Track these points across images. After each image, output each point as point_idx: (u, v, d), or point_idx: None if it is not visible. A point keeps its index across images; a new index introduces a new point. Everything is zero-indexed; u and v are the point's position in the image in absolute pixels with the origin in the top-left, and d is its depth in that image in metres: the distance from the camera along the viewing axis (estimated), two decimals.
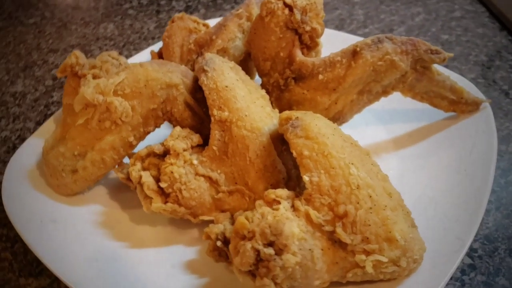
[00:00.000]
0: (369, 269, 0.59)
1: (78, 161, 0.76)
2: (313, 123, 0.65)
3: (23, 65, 1.20)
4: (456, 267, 0.63)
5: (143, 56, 1.03)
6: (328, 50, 0.82)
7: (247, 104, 0.72)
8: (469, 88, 0.86)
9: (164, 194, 0.72)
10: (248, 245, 0.57)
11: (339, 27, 1.24)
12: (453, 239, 0.67)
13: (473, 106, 0.84)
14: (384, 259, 0.60)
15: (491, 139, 0.79)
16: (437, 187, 0.76)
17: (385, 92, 0.79)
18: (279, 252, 0.57)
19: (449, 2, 1.30)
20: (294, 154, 0.64)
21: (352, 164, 0.62)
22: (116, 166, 0.77)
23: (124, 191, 0.81)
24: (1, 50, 1.26)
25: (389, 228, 0.60)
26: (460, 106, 0.83)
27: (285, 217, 0.59)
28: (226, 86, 0.72)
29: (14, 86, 1.14)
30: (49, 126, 0.88)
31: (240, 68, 0.80)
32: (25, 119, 1.05)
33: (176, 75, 0.75)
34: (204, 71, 0.74)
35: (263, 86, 0.84)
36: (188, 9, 1.38)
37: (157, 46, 1.02)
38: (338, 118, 0.80)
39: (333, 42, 0.89)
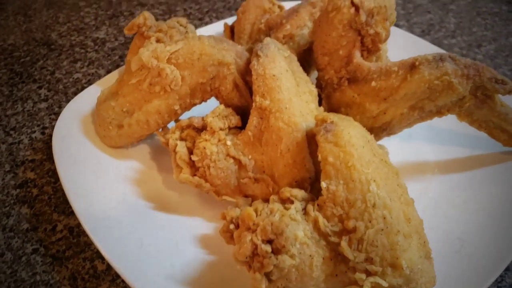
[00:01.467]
0: None
1: (125, 117, 0.80)
2: (346, 130, 0.63)
3: (111, 14, 1.26)
4: None
5: (217, 27, 1.05)
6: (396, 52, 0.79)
7: (290, 97, 0.71)
8: None
9: (194, 167, 0.74)
10: (248, 237, 0.58)
11: (426, 32, 1.18)
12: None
13: None
14: (384, 284, 0.58)
15: None
16: (469, 226, 0.72)
17: (439, 113, 0.74)
18: (276, 251, 0.57)
19: None
20: (319, 158, 0.63)
21: (374, 181, 0.60)
22: (160, 130, 0.81)
23: (165, 154, 0.84)
24: None
25: (397, 254, 0.58)
26: None
27: (293, 218, 0.59)
28: (274, 75, 0.72)
29: (98, 32, 1.21)
30: (112, 78, 0.93)
31: (295, 58, 0.79)
32: (98, 65, 1.11)
33: (230, 54, 0.76)
34: (257, 55, 0.74)
35: (318, 80, 0.82)
36: None
37: (232, 20, 1.03)
38: (385, 128, 0.77)
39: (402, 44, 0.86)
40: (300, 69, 0.78)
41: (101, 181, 0.78)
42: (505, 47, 1.12)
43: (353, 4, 0.74)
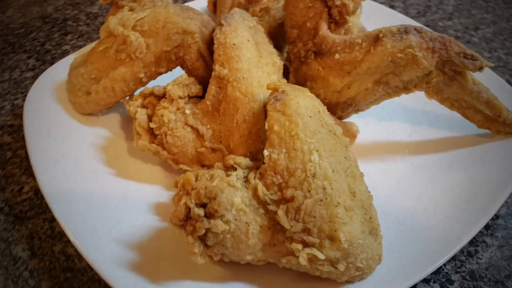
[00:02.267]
0: (303, 261, 0.57)
1: (93, 84, 0.80)
2: (295, 100, 0.62)
3: None
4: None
5: (202, 2, 1.04)
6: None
7: (249, 67, 0.70)
8: None
9: (153, 134, 0.74)
10: (183, 200, 0.57)
11: (421, 13, 1.14)
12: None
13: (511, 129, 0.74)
14: (321, 256, 0.57)
15: None
16: (440, 204, 0.70)
17: (406, 89, 0.72)
18: (209, 215, 0.56)
19: None
20: (266, 126, 0.62)
21: (317, 151, 0.58)
22: (127, 98, 0.81)
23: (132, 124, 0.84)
24: None
25: (335, 226, 0.57)
26: (496, 125, 0.74)
27: (232, 184, 0.58)
28: (234, 44, 0.71)
29: (92, 7, 1.23)
30: (88, 49, 0.93)
31: (261, 29, 0.77)
32: (87, 38, 1.12)
33: (195, 23, 0.76)
34: (220, 24, 0.74)
35: (288, 54, 0.81)
36: None
37: None
38: (350, 104, 0.75)
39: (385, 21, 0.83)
40: (266, 40, 0.77)
41: (66, 144, 0.79)
42: (504, 30, 1.07)
43: None
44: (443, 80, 0.70)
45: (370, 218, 0.61)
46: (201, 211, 0.56)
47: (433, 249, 0.63)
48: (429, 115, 0.84)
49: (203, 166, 0.74)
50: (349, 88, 0.72)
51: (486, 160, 0.74)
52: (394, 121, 0.84)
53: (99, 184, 0.74)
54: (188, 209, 0.56)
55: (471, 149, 0.76)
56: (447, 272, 0.67)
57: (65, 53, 1.08)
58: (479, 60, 0.67)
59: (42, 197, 0.78)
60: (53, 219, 0.75)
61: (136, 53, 0.75)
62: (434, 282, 0.66)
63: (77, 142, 0.80)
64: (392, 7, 1.13)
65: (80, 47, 1.10)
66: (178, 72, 0.80)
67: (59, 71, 0.89)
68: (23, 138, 0.89)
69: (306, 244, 0.57)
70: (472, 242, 0.70)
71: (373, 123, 0.85)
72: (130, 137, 0.83)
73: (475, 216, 0.66)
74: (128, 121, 0.86)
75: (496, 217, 0.73)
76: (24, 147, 0.87)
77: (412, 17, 1.09)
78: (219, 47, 0.72)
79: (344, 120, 0.80)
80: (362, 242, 0.58)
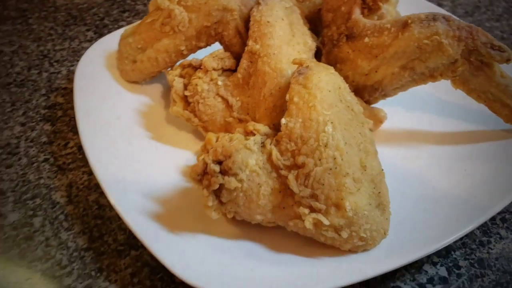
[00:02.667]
0: (308, 224, 0.60)
1: (139, 54, 0.86)
2: (317, 75, 0.65)
3: None
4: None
5: None
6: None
7: (280, 44, 0.74)
8: None
9: (187, 102, 0.80)
10: (201, 156, 0.62)
11: (469, 13, 1.13)
12: None
13: None
14: (326, 222, 0.60)
15: None
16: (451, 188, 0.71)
17: (432, 77, 0.73)
18: (224, 172, 0.61)
19: None
20: (287, 97, 0.65)
21: (331, 123, 0.61)
22: (169, 69, 0.87)
23: None
24: None
25: (342, 195, 0.60)
26: None
27: (248, 147, 0.63)
28: (268, 22, 0.75)
29: None
30: None
31: (297, 10, 0.81)
32: (143, 16, 1.18)
33: (235, 1, 0.80)
34: (258, 3, 0.78)
35: (322, 37, 0.84)
36: None
37: None
38: (377, 88, 0.77)
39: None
40: (301, 22, 0.80)
41: (110, 107, 0.85)
42: None
43: None
44: (469, 70, 0.71)
45: (379, 193, 0.63)
46: (216, 167, 0.60)
47: (455, 220, 0.66)
48: (459, 107, 0.84)
49: None
50: (376, 71, 0.75)
51: (508, 155, 0.74)
52: (423, 111, 0.85)
53: (135, 144, 0.80)
54: (205, 165, 0.61)
55: (494, 143, 0.76)
56: (455, 258, 0.68)
57: (120, 28, 1.16)
58: (507, 52, 0.68)
59: (84, 153, 0.85)
60: (91, 172, 0.81)
61: (179, 26, 0.81)
62: (441, 265, 0.67)
63: (121, 106, 0.87)
64: (440, 5, 1.13)
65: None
66: (217, 47, 0.85)
67: (112, 41, 0.96)
68: None
69: (312, 209, 0.61)
70: (485, 233, 0.71)
71: (402, 112, 0.86)
72: (169, 106, 0.89)
73: (490, 202, 0.67)
74: (169, 91, 0.92)
75: None
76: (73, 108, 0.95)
77: (459, 16, 1.09)
78: (254, 24, 0.76)
79: (372, 106, 0.82)
80: (368, 214, 0.61)
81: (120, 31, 0.98)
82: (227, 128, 0.78)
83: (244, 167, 0.61)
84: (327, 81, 0.65)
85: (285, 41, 0.75)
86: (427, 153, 0.79)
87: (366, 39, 0.74)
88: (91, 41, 1.12)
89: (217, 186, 0.60)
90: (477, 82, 0.72)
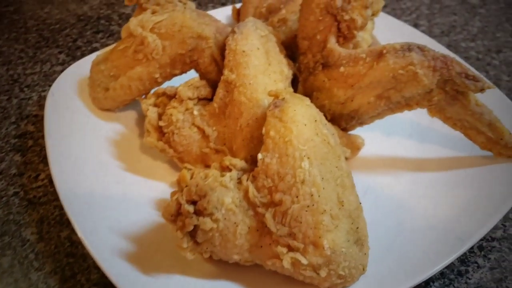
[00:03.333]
0: (286, 264, 0.59)
1: (111, 81, 0.84)
2: (292, 107, 0.64)
3: None
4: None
5: (227, 10, 1.08)
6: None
7: (256, 74, 0.73)
8: None
9: (161, 132, 0.78)
10: (175, 196, 0.60)
11: (445, 33, 1.14)
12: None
13: None
14: (304, 261, 0.58)
15: None
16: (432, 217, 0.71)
17: (408, 105, 0.73)
18: (198, 213, 0.59)
19: None
20: (263, 131, 0.64)
21: (308, 158, 0.60)
22: (143, 97, 0.85)
23: None
24: None
25: (320, 233, 0.58)
26: (497, 147, 0.74)
27: (224, 184, 0.61)
28: (243, 51, 0.74)
29: (126, 8, 1.29)
30: None
31: (273, 39, 0.80)
32: (118, 38, 1.18)
33: (210, 28, 0.79)
34: (233, 32, 0.77)
35: (298, 64, 0.83)
36: None
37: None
38: (353, 117, 0.76)
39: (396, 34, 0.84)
40: (277, 49, 0.79)
41: (81, 136, 0.83)
42: None
43: None
44: (445, 99, 0.70)
45: (357, 228, 0.62)
46: (191, 208, 0.59)
47: (434, 252, 0.65)
48: (436, 133, 0.84)
49: (206, 166, 0.77)
50: (352, 100, 0.74)
51: (487, 181, 0.74)
52: (401, 137, 0.85)
53: (107, 176, 0.78)
54: (179, 205, 0.59)
55: (473, 169, 0.76)
56: None
57: (94, 50, 1.13)
58: (481, 81, 0.68)
59: None
60: (62, 206, 0.79)
61: (152, 54, 0.79)
62: None
63: (93, 135, 0.84)
64: (416, 25, 1.14)
65: (109, 45, 1.15)
66: (193, 75, 0.83)
67: (84, 66, 0.94)
68: None
69: (290, 248, 0.59)
70: (463, 262, 0.70)
71: (380, 137, 0.86)
72: (143, 135, 0.87)
73: (471, 230, 0.67)
74: (143, 119, 0.89)
75: (492, 239, 0.73)
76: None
77: (435, 37, 1.09)
78: (229, 53, 0.75)
79: (350, 132, 0.81)
80: (346, 251, 0.60)
81: (93, 56, 0.96)
82: (203, 159, 0.77)
83: (220, 206, 0.59)
84: (303, 114, 0.64)
85: (260, 71, 0.74)
86: (405, 180, 0.78)
87: (342, 69, 0.73)
88: (64, 64, 1.10)
89: (191, 228, 0.58)
90: (453, 110, 0.72)
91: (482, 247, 0.72)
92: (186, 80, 0.81)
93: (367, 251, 0.63)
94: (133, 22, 0.80)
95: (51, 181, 0.83)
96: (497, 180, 0.73)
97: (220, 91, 0.75)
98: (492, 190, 0.72)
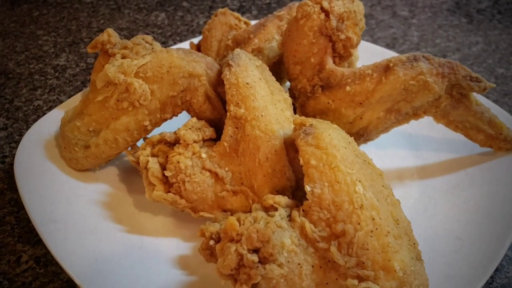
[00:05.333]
0: None
1: (92, 137, 0.75)
2: (326, 132, 0.61)
3: (70, 41, 1.23)
4: None
5: (184, 46, 1.02)
6: (362, 63, 0.78)
7: (265, 104, 0.69)
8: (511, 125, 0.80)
9: (168, 183, 0.70)
10: (233, 247, 0.54)
11: (390, 45, 1.19)
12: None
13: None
14: None
15: None
16: (460, 225, 0.71)
17: (416, 115, 0.74)
18: (263, 261, 0.53)
19: None
20: (301, 161, 0.60)
21: (360, 181, 0.58)
22: (129, 149, 0.77)
23: (135, 175, 0.80)
24: (54, 24, 1.30)
25: (389, 256, 0.56)
26: (497, 142, 0.77)
27: (278, 225, 0.56)
28: (247, 83, 0.70)
29: (58, 59, 1.17)
30: (75, 101, 0.88)
31: (266, 68, 0.77)
32: (60, 92, 1.07)
33: (201, 65, 0.74)
34: (229, 65, 0.72)
35: (290, 90, 0.81)
36: (241, 9, 1.37)
37: (198, 39, 1.01)
38: (362, 134, 0.76)
39: (369, 56, 0.85)
40: (273, 78, 0.76)
41: (70, 207, 0.73)
42: (468, 56, 1.15)
43: (322, 10, 0.73)
44: (451, 103, 0.73)
45: (414, 244, 0.61)
46: (255, 257, 0.53)
47: (459, 276, 0.64)
48: (428, 138, 0.86)
49: (224, 211, 0.71)
50: (361, 118, 0.73)
51: (494, 175, 0.76)
52: (397, 148, 0.86)
53: (112, 243, 0.69)
54: (240, 256, 0.53)
55: (478, 167, 0.79)
56: None
57: (38, 109, 1.02)
58: (483, 81, 0.71)
59: (45, 265, 0.71)
60: (62, 286, 0.68)
61: (140, 100, 0.72)
62: None
63: (78, 202, 0.74)
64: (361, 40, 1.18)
65: (54, 101, 1.04)
66: (181, 117, 0.78)
67: (42, 129, 0.84)
68: (9, 203, 0.82)
69: (360, 278, 0.56)
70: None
71: (376, 151, 0.85)
72: (133, 190, 0.79)
73: (500, 232, 0.68)
74: (126, 173, 0.81)
75: None
76: (12, 213, 0.80)
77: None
78: (231, 88, 0.70)
79: None
80: (414, 269, 0.57)
81: (51, 115, 0.86)
82: (219, 204, 0.70)
83: (281, 249, 0.54)
84: (338, 138, 0.61)
85: (268, 101, 0.70)
86: (416, 189, 0.79)
87: (348, 88, 0.72)
88: (7, 128, 0.97)
89: (259, 279, 0.53)
90: (457, 113, 0.74)
91: None
92: (176, 124, 0.75)
93: (424, 265, 0.62)
94: (111, 70, 0.72)
95: (37, 262, 0.71)
96: (505, 172, 0.76)
97: (229, 129, 0.70)
98: (504, 183, 0.74)
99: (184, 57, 0.74)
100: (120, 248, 0.69)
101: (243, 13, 1.35)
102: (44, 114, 0.98)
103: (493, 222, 0.69)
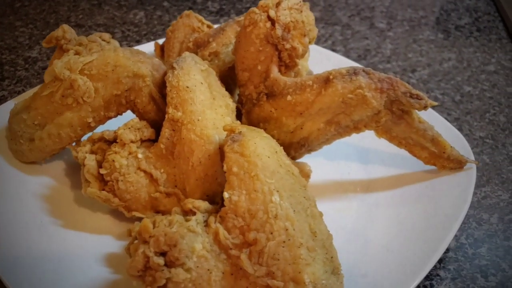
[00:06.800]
0: None
1: (37, 131, 0.76)
2: (252, 141, 0.62)
3: (46, 34, 1.24)
4: None
5: (149, 46, 1.03)
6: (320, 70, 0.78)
7: (203, 109, 0.70)
8: (460, 144, 0.79)
9: (103, 181, 0.71)
10: (141, 249, 0.54)
11: (362, 57, 1.19)
12: None
13: (455, 164, 0.77)
14: None
15: (461, 204, 0.72)
16: (391, 238, 0.71)
17: (357, 128, 0.74)
18: (169, 264, 0.54)
19: (487, 54, 1.21)
20: (224, 168, 0.61)
21: (277, 191, 0.58)
22: (74, 144, 0.77)
23: (79, 171, 0.80)
24: (33, 16, 1.31)
25: (299, 268, 0.56)
26: (441, 161, 0.77)
27: (192, 230, 0.56)
28: (187, 87, 0.70)
29: (30, 51, 1.18)
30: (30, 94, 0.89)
31: (213, 72, 0.78)
32: (26, 83, 1.08)
33: (146, 66, 0.74)
34: (173, 67, 0.73)
35: (239, 96, 0.81)
36: (221, 11, 1.38)
37: (162, 40, 1.02)
38: (303, 144, 0.76)
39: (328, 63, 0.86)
40: (218, 83, 0.77)
41: (8, 197, 0.74)
42: (438, 72, 1.14)
43: (269, 18, 0.73)
44: (392, 119, 0.72)
45: (332, 257, 0.61)
46: (161, 260, 0.53)
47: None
48: (379, 153, 0.86)
49: (157, 212, 0.71)
50: (301, 128, 0.73)
51: (434, 194, 0.76)
52: (345, 160, 0.86)
53: (44, 236, 0.70)
54: (147, 258, 0.54)
55: (420, 184, 0.79)
56: None
57: (1, 99, 1.03)
58: (424, 99, 0.71)
59: None
60: None
61: (84, 97, 0.73)
62: None
63: (19, 193, 0.75)
64: (334, 50, 1.18)
65: (19, 92, 1.05)
66: (128, 116, 0.78)
67: None
68: None
69: None
70: (426, 277, 0.71)
71: (324, 162, 0.86)
72: (76, 185, 0.79)
73: (429, 250, 0.68)
74: (73, 168, 0.82)
75: (447, 250, 0.75)
76: None
77: (353, 60, 1.13)
78: (172, 90, 0.71)
79: (297, 160, 0.80)
80: (326, 283, 0.58)
81: (5, 106, 0.87)
82: (153, 205, 0.71)
83: (191, 254, 0.55)
84: (263, 146, 0.62)
85: (207, 106, 0.71)
86: (357, 202, 0.79)
87: (289, 97, 0.72)
88: None
89: (163, 282, 0.53)
90: (399, 129, 0.74)
91: (440, 259, 0.74)
92: (123, 122, 0.75)
93: (342, 280, 0.62)
94: (58, 65, 0.73)
95: None
96: (445, 192, 0.76)
97: (166, 131, 0.70)
98: (442, 203, 0.74)
99: (130, 57, 0.74)
100: (52, 242, 0.69)
101: (221, 16, 1.35)
102: None
103: (422, 239, 0.69)
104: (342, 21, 1.32)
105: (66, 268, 0.66)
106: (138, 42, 1.23)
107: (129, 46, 0.85)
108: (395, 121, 0.73)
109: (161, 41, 1.02)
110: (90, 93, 0.73)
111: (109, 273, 0.67)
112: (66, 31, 0.83)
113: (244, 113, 0.79)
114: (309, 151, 0.78)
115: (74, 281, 0.65)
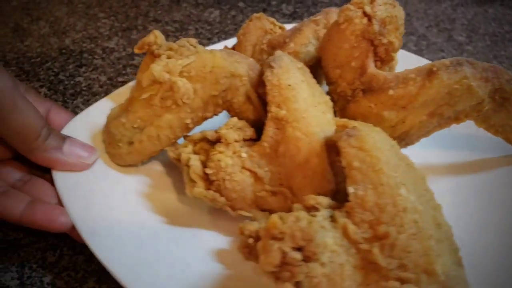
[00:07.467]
0: None
1: (136, 134, 0.77)
2: (370, 134, 0.62)
3: (125, 26, 1.31)
4: None
5: (218, 47, 1.04)
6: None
7: (306, 107, 0.70)
8: None
9: (208, 181, 0.72)
10: (276, 245, 0.55)
11: None
12: None
13: None
14: None
15: None
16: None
17: (457, 119, 0.74)
18: (306, 259, 0.54)
19: None
20: (344, 163, 0.61)
21: (403, 185, 0.58)
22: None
23: (172, 171, 0.82)
24: (115, 9, 1.39)
25: (431, 259, 0.56)
26: None
27: (321, 225, 0.57)
28: (289, 85, 0.71)
29: (109, 41, 1.25)
30: (123, 92, 0.92)
31: (308, 70, 0.78)
32: (101, 72, 1.13)
33: (243, 66, 0.75)
34: (270, 66, 0.73)
35: (329, 94, 0.81)
36: (294, 14, 1.39)
37: (232, 42, 1.02)
38: (403, 138, 0.76)
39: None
40: (314, 80, 0.77)
41: (109, 196, 0.75)
42: None
43: (365, 14, 0.73)
44: (493, 107, 0.72)
45: (454, 249, 0.60)
46: (298, 255, 0.54)
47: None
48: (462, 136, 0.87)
49: (262, 210, 0.72)
50: (404, 122, 0.73)
51: None
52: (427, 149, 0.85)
53: (152, 234, 0.71)
54: (284, 254, 0.54)
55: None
56: None
57: (77, 84, 1.08)
58: None
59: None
60: (45, 249, 0.72)
61: (183, 99, 0.74)
62: None
63: (121, 192, 0.77)
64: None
65: (93, 79, 1.10)
66: (222, 116, 0.79)
67: (88, 119, 0.86)
68: None
69: (402, 281, 0.56)
70: None
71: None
72: (172, 186, 0.80)
73: None
74: (167, 168, 0.83)
75: None
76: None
77: None
78: (273, 89, 0.71)
79: None
80: (456, 274, 0.57)
81: (96, 107, 0.88)
82: (258, 203, 0.71)
83: (324, 249, 0.55)
84: (381, 140, 0.62)
85: (310, 103, 0.71)
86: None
87: (391, 91, 0.72)
88: (46, 96, 1.02)
89: (302, 277, 0.53)
90: (498, 117, 0.74)
91: None
92: (214, 124, 0.76)
93: (464, 271, 0.61)
94: (157, 69, 0.74)
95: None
96: None
97: (269, 129, 0.71)
98: None
99: (226, 58, 0.75)
100: (157, 240, 0.70)
101: (294, 19, 1.37)
102: (82, 89, 1.06)
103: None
104: (419, 31, 1.31)
105: (177, 265, 0.67)
106: (210, 39, 1.26)
107: (201, 44, 0.87)
108: (496, 109, 0.73)
109: (229, 43, 1.03)
110: (189, 94, 0.74)
111: (222, 268, 0.68)
112: (157, 36, 0.84)
113: (338, 110, 0.79)
114: (406, 145, 0.78)
115: (188, 277, 0.66)
